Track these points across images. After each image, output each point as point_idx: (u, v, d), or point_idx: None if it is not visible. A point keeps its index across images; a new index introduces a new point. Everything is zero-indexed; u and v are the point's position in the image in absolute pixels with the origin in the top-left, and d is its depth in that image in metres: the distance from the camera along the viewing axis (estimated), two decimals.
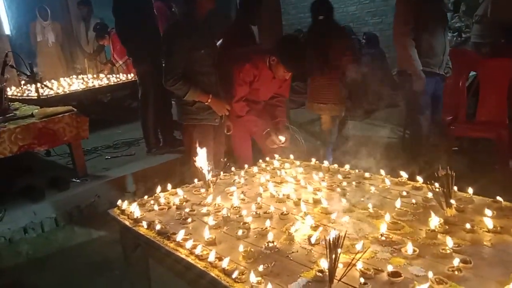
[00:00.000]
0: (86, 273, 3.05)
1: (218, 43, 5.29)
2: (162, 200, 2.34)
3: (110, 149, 5.24)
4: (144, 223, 2.01)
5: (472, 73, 4.56)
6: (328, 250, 1.36)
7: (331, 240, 1.36)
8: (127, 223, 2.13)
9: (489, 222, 1.69)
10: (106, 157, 4.92)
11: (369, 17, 8.82)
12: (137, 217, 2.11)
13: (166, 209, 2.24)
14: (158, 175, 3.85)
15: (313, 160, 2.71)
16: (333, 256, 1.35)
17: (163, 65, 3.09)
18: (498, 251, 1.53)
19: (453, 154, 4.22)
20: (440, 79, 3.77)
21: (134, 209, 2.18)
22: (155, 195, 2.44)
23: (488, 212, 1.77)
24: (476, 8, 5.81)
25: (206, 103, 3.16)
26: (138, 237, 2.04)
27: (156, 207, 2.25)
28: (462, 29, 6.65)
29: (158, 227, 1.95)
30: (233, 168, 2.81)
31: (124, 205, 2.27)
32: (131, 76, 6.62)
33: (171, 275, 1.98)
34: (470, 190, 2.03)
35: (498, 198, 1.90)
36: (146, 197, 2.42)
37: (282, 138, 3.28)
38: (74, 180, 4.14)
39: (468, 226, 1.69)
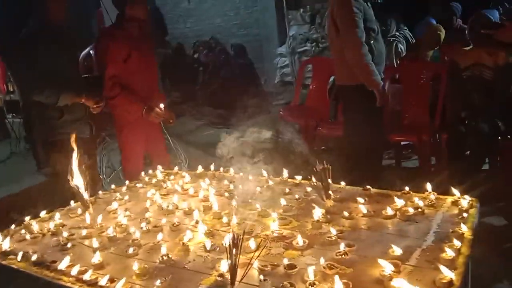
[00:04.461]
0: None
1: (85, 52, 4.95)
2: (34, 228, 2.10)
3: None
4: (19, 255, 1.78)
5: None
6: (228, 253, 1.36)
7: (229, 243, 1.37)
8: None
9: (363, 208, 1.88)
10: None
11: (235, 29, 9.15)
12: (6, 249, 1.86)
13: (40, 237, 2.02)
14: (22, 203, 3.42)
15: (199, 167, 2.71)
16: (233, 258, 1.37)
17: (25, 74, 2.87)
18: (374, 232, 1.71)
19: (322, 153, 4.59)
20: None
21: (2, 241, 1.91)
22: (25, 223, 2.18)
23: (360, 199, 1.97)
24: None
25: (82, 101, 2.98)
26: (10, 272, 1.79)
27: (27, 236, 2.01)
28: (319, 39, 7.30)
29: (34, 257, 1.75)
30: (112, 185, 2.66)
31: None
32: None
33: None
34: (343, 182, 2.24)
35: (368, 186, 2.12)
36: (13, 226, 2.15)
37: (161, 106, 3.17)
38: None
39: (346, 214, 1.86)
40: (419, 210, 1.82)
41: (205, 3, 9.41)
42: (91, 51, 5.43)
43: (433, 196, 1.95)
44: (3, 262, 1.81)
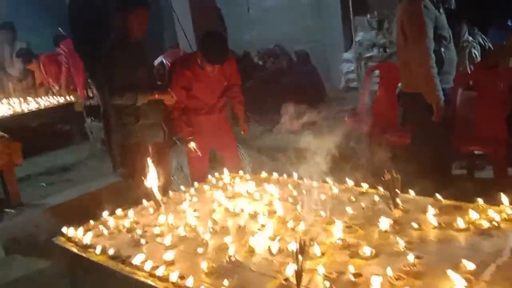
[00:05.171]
0: None
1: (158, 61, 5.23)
2: (111, 224, 2.26)
3: (44, 176, 4.95)
4: (98, 248, 1.93)
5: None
6: (296, 258, 1.39)
7: (296, 248, 1.40)
8: (75, 250, 2.04)
9: (433, 220, 1.81)
10: (41, 184, 4.64)
11: (300, 35, 9.16)
12: (87, 243, 2.02)
13: (116, 232, 2.17)
14: (103, 199, 3.68)
15: (263, 173, 2.76)
16: (299, 263, 1.39)
17: (107, 82, 3.07)
18: (445, 245, 1.65)
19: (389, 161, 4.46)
20: None
21: (83, 235, 2.08)
22: (102, 219, 2.35)
23: (431, 210, 1.90)
24: None
25: (156, 97, 3.13)
26: (89, 264, 1.95)
27: (105, 232, 2.17)
28: (386, 45, 7.12)
29: (111, 251, 1.88)
30: (182, 187, 2.79)
31: (70, 232, 2.16)
32: (62, 99, 6.35)
33: None
34: (412, 192, 2.17)
35: (438, 196, 2.04)
36: (92, 222, 2.32)
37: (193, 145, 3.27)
38: (7, 210, 3.84)
39: (415, 225, 1.80)
40: (494, 224, 1.73)
41: (269, 11, 9.52)
42: (163, 60, 5.71)
43: (509, 210, 1.84)
44: (84, 255, 1.97)
